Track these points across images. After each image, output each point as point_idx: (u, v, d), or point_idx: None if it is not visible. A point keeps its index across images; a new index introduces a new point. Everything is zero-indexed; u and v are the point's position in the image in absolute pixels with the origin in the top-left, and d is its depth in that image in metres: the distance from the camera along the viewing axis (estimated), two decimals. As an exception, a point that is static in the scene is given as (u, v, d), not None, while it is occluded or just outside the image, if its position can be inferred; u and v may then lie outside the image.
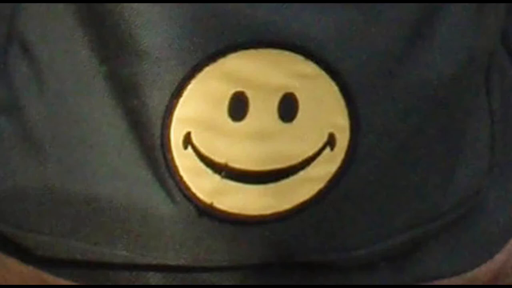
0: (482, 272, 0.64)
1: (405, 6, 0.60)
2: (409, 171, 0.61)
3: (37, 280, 0.63)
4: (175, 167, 0.58)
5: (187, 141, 0.58)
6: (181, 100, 0.58)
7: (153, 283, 0.62)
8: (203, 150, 0.58)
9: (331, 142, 0.58)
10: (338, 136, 0.58)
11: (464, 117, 0.63)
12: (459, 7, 0.61)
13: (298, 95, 0.57)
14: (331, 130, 0.58)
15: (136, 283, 0.62)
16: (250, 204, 0.59)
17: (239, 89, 0.57)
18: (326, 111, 0.58)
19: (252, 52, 0.57)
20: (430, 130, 0.61)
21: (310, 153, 0.58)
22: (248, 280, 0.61)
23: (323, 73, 0.57)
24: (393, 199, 0.61)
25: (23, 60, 0.61)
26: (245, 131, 0.58)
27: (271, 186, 0.59)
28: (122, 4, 0.58)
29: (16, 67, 0.61)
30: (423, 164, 0.62)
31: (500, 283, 0.66)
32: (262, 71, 0.57)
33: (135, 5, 0.57)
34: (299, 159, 0.58)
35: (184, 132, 0.58)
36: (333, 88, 0.57)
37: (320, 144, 0.58)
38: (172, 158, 0.58)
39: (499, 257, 0.65)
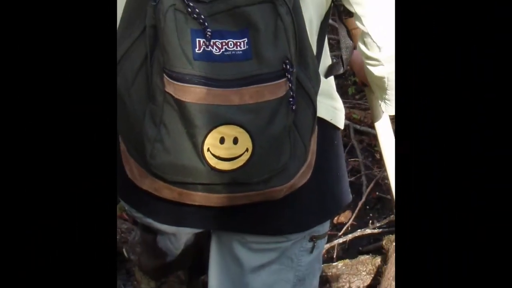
0: (290, 183, 1.36)
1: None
2: (274, 162, 1.30)
3: (153, 186, 1.35)
4: (204, 157, 1.28)
5: (208, 150, 1.27)
6: (206, 140, 1.27)
7: (199, 189, 1.32)
8: (212, 152, 1.28)
9: (247, 150, 1.27)
10: (249, 149, 1.27)
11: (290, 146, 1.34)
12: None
13: (238, 138, 1.26)
14: (247, 147, 1.28)
15: (192, 191, 1.31)
16: (227, 166, 1.28)
17: (222, 136, 1.26)
18: (245, 142, 1.26)
19: (224, 126, 1.25)
20: (283, 146, 1.30)
21: (240, 153, 1.28)
22: (218, 187, 1.30)
23: (244, 131, 1.26)
24: (269, 167, 1.31)
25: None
26: (224, 148, 1.27)
27: (233, 161, 1.28)
28: (192, 108, 1.25)
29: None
30: (280, 159, 1.30)
31: (293, 189, 1.35)
32: (228, 131, 1.25)
33: (197, 107, 1.25)
34: (237, 155, 1.28)
35: (207, 147, 1.27)
36: (247, 136, 1.26)
37: (243, 151, 1.27)
38: (204, 155, 1.28)
39: (294, 179, 1.37)
